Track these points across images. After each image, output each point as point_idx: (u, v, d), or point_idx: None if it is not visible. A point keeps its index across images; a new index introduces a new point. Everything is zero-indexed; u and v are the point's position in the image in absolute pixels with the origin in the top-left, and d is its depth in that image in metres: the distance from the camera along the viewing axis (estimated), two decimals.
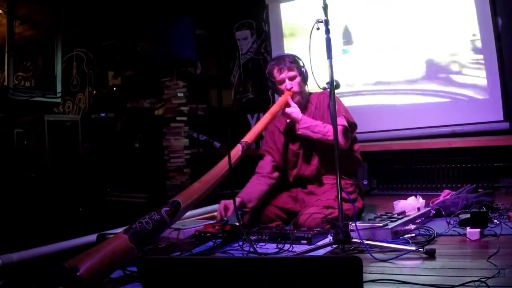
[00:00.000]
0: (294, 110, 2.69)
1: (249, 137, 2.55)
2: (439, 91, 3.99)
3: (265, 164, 2.81)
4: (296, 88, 2.75)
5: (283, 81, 2.77)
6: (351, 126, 2.70)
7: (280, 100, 2.74)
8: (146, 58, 4.95)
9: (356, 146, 2.86)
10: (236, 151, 2.45)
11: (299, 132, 2.69)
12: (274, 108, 2.70)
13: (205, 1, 4.91)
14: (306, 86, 2.84)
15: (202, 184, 2.23)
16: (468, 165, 3.79)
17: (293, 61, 2.78)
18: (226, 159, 2.28)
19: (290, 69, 2.76)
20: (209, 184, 2.25)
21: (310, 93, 2.90)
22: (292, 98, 2.73)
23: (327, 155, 2.63)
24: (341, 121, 2.59)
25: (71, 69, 6.10)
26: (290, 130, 2.81)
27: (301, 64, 2.80)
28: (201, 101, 5.00)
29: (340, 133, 2.54)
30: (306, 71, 2.78)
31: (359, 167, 2.95)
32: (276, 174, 2.81)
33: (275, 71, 2.78)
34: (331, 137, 2.55)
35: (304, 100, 2.83)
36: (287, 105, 2.71)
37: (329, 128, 2.59)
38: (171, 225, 2.14)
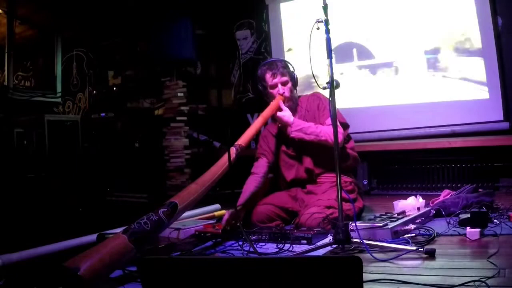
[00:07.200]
0: (285, 113, 2.74)
1: (242, 140, 2.59)
2: (439, 91, 3.99)
3: (261, 165, 2.86)
4: (287, 93, 2.82)
5: (275, 86, 2.82)
6: (343, 126, 2.74)
7: (272, 105, 2.78)
8: (146, 58, 4.95)
9: (351, 144, 2.89)
10: (231, 154, 2.48)
11: (292, 135, 2.73)
12: (266, 112, 2.75)
13: (205, 1, 4.91)
14: (295, 91, 2.90)
15: (199, 186, 2.26)
16: (468, 165, 3.79)
17: (285, 67, 2.84)
18: (221, 160, 2.37)
19: (283, 74, 2.81)
20: (205, 186, 2.28)
21: (299, 97, 2.96)
22: (284, 103, 2.78)
23: (321, 155, 2.72)
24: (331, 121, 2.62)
25: (71, 69, 6.09)
26: (283, 133, 2.85)
27: (292, 69, 2.86)
28: (201, 101, 5.00)
29: (331, 133, 2.57)
30: (296, 76, 2.86)
31: (356, 163, 2.97)
32: (270, 176, 2.90)
33: (268, 76, 2.82)
34: (324, 137, 2.63)
35: (294, 105, 2.89)
36: (279, 109, 2.76)
37: (321, 128, 2.68)
38: (169, 226, 2.16)
